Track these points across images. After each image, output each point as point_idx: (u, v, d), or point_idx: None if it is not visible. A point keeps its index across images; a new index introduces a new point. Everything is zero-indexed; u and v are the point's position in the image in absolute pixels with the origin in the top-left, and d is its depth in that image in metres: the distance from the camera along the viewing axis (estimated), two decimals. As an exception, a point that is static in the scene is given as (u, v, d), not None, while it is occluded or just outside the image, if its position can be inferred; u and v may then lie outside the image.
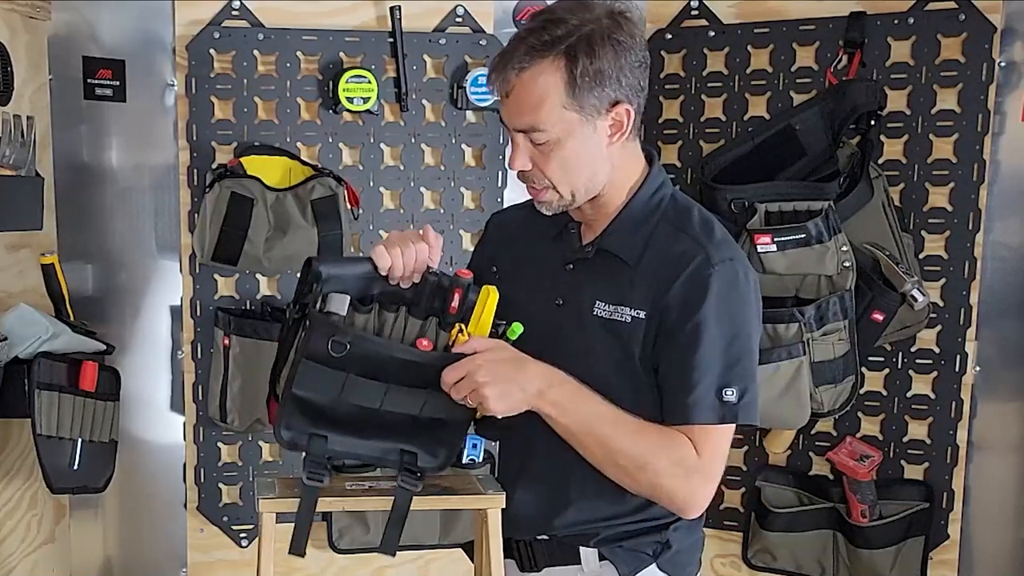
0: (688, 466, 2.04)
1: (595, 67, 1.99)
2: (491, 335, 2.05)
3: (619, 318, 2.09)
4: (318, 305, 2.00)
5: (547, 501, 2.19)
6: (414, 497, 2.10)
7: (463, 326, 2.02)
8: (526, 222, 2.28)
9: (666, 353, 2.07)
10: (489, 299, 2.03)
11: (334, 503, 2.10)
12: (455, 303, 2.03)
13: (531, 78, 2.00)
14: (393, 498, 2.08)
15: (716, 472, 2.09)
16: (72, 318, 3.03)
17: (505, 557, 2.23)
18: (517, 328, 2.06)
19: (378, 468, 2.24)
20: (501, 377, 1.98)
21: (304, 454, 2.08)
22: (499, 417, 2.03)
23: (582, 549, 2.20)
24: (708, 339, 2.03)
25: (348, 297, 2.00)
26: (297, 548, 2.09)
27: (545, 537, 2.23)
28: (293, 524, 2.06)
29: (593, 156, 2.07)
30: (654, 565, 2.19)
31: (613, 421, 2.05)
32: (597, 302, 2.12)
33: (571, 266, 2.18)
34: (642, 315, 2.07)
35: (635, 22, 2.08)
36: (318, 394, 2.02)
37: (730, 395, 2.05)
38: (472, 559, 2.38)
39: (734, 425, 2.09)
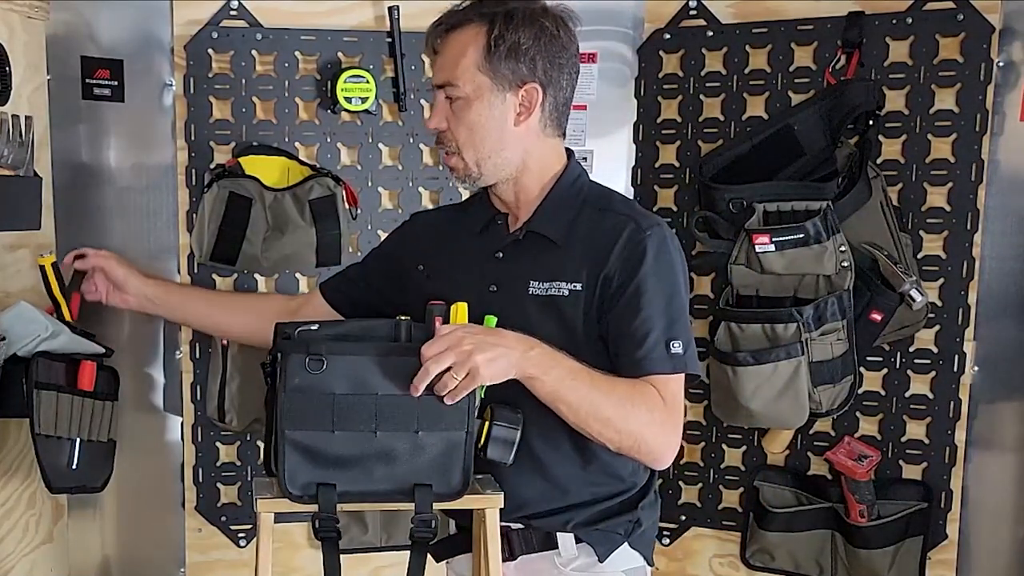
0: (663, 411, 2.14)
1: (511, 39, 2.18)
2: None
3: (556, 293, 2.20)
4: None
5: (519, 480, 2.20)
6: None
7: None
8: (451, 222, 2.45)
9: (613, 316, 2.18)
10: (459, 311, 2.08)
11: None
12: (436, 329, 2.04)
13: (455, 37, 2.23)
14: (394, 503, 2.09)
15: (679, 419, 2.20)
16: (72, 319, 3.02)
17: (463, 552, 2.27)
18: (491, 320, 2.09)
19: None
20: (486, 342, 2.01)
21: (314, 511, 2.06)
22: (485, 386, 2.04)
23: (559, 535, 2.23)
24: (650, 297, 2.15)
25: (317, 324, 2.05)
26: None
27: (520, 525, 2.24)
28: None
29: (499, 128, 2.23)
30: (626, 544, 2.26)
31: (590, 376, 2.11)
32: (531, 282, 2.23)
33: (500, 253, 2.30)
34: (579, 287, 2.19)
35: (570, 26, 2.28)
36: (312, 429, 2.01)
37: (677, 347, 2.16)
38: (436, 559, 2.40)
39: (683, 376, 2.19)
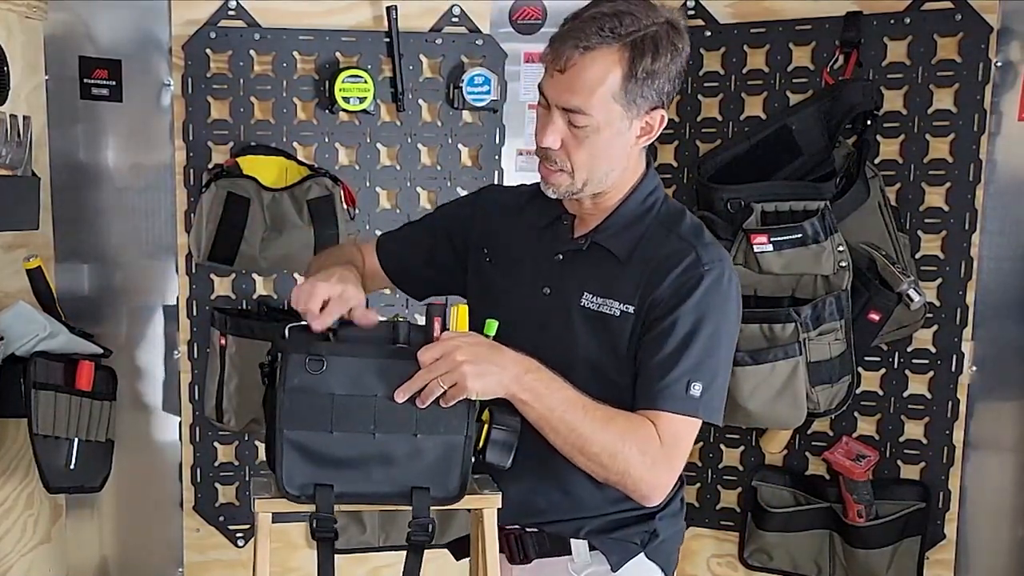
0: (653, 454, 2.06)
1: (652, 68, 2.03)
2: None
3: (607, 311, 2.13)
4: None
5: (534, 489, 2.20)
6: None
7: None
8: (519, 208, 2.32)
9: (645, 342, 2.11)
10: (460, 313, 2.04)
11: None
12: (436, 332, 2.01)
13: (592, 60, 2.02)
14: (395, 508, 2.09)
15: (677, 462, 2.13)
16: (63, 319, 3.02)
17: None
18: (492, 325, 2.05)
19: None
20: (480, 357, 1.97)
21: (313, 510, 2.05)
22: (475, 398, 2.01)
23: (572, 540, 2.21)
24: (686, 333, 2.07)
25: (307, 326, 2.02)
26: None
27: (534, 529, 2.24)
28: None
29: (619, 152, 2.12)
30: (642, 554, 2.21)
31: (584, 409, 2.05)
32: (585, 293, 2.15)
33: (560, 256, 2.21)
34: (630, 310, 2.11)
35: (685, 33, 2.12)
36: (310, 429, 1.99)
37: (696, 389, 2.08)
38: (456, 557, 2.39)
39: (699, 422, 2.12)
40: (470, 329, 2.04)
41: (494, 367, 1.98)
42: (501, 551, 2.23)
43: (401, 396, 1.98)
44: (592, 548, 2.22)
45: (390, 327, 2.05)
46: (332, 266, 2.18)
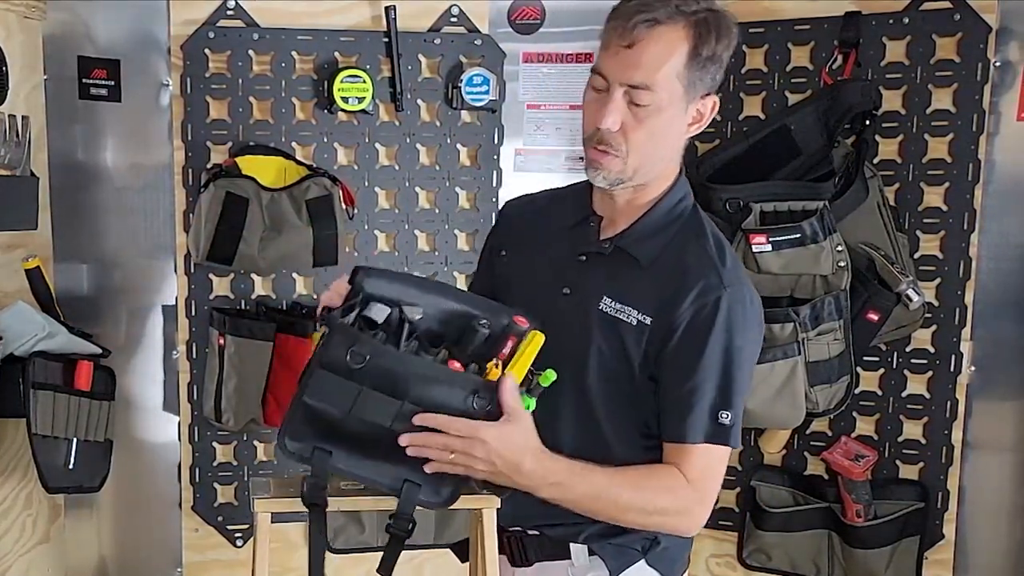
0: (687, 498, 2.06)
1: (714, 49, 2.02)
2: (524, 379, 1.99)
3: (624, 318, 2.09)
4: (348, 315, 1.96)
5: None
6: (373, 498, 2.10)
7: (499, 362, 1.97)
8: (544, 210, 2.29)
9: (669, 370, 2.07)
10: (532, 343, 1.99)
11: (331, 503, 2.09)
12: (507, 350, 1.99)
13: (660, 35, 1.99)
14: (386, 497, 2.07)
15: (709, 492, 2.10)
16: (62, 320, 3.02)
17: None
18: (550, 375, 2.00)
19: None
20: (496, 468, 1.96)
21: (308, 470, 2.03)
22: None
23: (572, 545, 2.21)
24: (711, 362, 2.04)
25: (388, 309, 1.97)
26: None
27: (535, 532, 2.23)
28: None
29: (675, 137, 2.10)
30: (643, 561, 2.20)
31: (609, 483, 2.04)
32: (604, 297, 2.12)
33: (583, 258, 2.17)
34: (647, 320, 2.08)
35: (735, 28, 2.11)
36: (330, 405, 1.96)
37: (725, 418, 2.05)
38: (461, 559, 2.38)
39: (729, 450, 2.10)
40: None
41: (508, 481, 1.99)
42: (503, 552, 2.23)
43: (404, 441, 1.94)
44: (592, 553, 2.21)
45: (465, 324, 2.00)
46: None
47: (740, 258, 3.05)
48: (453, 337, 2.01)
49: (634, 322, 2.08)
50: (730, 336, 2.05)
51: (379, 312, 1.96)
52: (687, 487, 2.06)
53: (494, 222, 2.49)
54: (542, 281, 2.20)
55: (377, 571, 2.10)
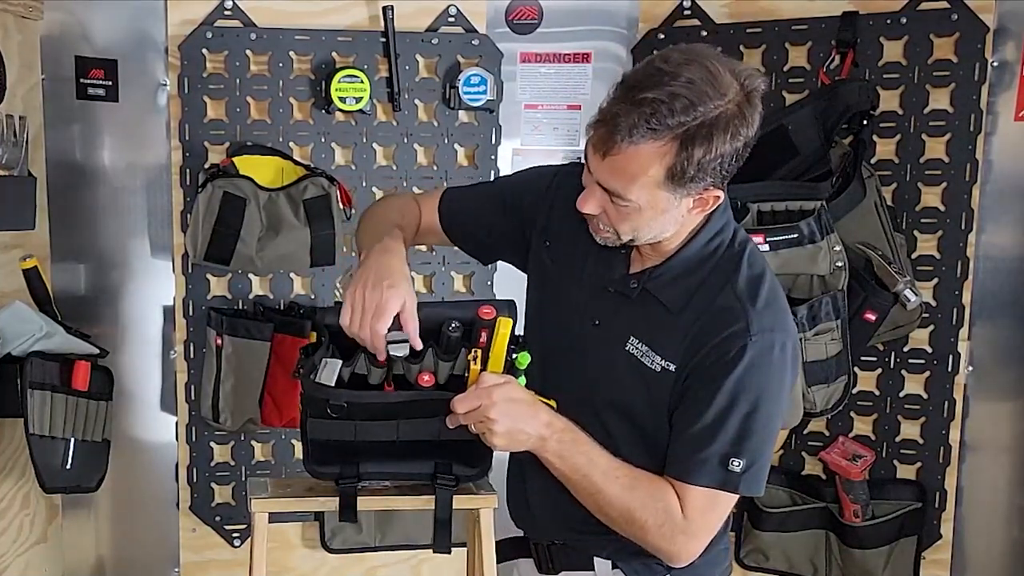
0: (673, 526, 2.03)
1: (705, 159, 1.88)
2: (505, 363, 2.03)
3: (648, 363, 2.05)
4: (313, 372, 2.02)
5: (562, 505, 2.17)
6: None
7: (478, 353, 2.01)
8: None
9: (682, 407, 2.04)
10: (502, 330, 2.02)
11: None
12: (482, 340, 2.02)
13: (636, 153, 1.87)
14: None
15: (703, 533, 2.07)
16: (59, 319, 3.02)
17: (524, 556, 2.25)
18: (524, 359, 2.03)
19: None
20: (513, 418, 1.98)
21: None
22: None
23: (596, 559, 2.20)
24: (726, 407, 1.99)
25: (339, 363, 2.01)
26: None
27: (561, 542, 2.23)
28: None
29: (665, 223, 2.00)
30: None
31: (605, 472, 2.03)
32: (632, 337, 2.07)
33: (612, 289, 2.11)
34: (672, 368, 2.03)
35: (760, 101, 1.93)
36: (335, 438, 2.04)
37: (735, 466, 2.01)
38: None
39: (736, 496, 2.07)
40: (511, 342, 2.03)
41: (522, 433, 1.99)
42: (530, 557, 2.25)
43: (451, 424, 2.02)
44: (615, 567, 2.20)
45: (437, 329, 2.03)
46: (383, 234, 2.15)
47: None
48: (431, 340, 2.03)
49: (658, 368, 2.04)
50: (752, 385, 1.99)
51: (329, 373, 2.01)
52: (679, 518, 2.03)
53: (553, 174, 2.29)
54: (574, 304, 2.15)
55: (434, 552, 2.16)
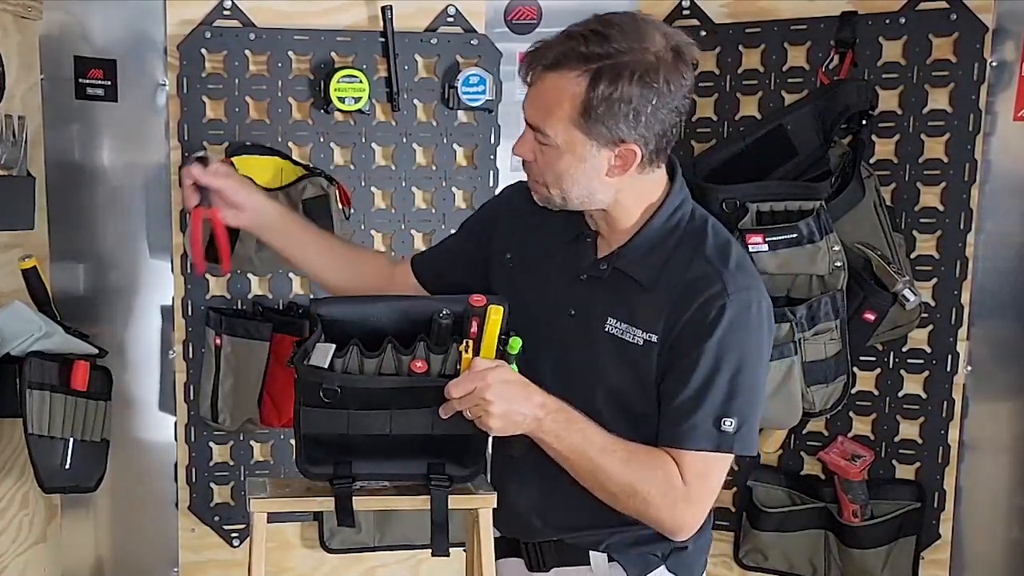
0: (675, 493, 2.04)
1: (613, 100, 1.94)
2: (497, 351, 2.04)
3: (631, 339, 2.07)
4: (306, 357, 2.03)
5: (547, 501, 2.18)
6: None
7: (469, 343, 2.02)
8: (544, 215, 2.20)
9: (669, 376, 2.06)
10: (493, 318, 2.02)
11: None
12: (473, 329, 2.03)
13: (552, 81, 1.97)
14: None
15: (704, 498, 2.09)
16: (58, 319, 3.02)
17: (513, 556, 2.25)
18: (516, 343, 2.04)
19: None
20: (508, 399, 1.98)
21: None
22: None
23: (591, 552, 2.20)
24: (712, 368, 2.02)
25: (332, 347, 2.02)
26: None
27: (555, 539, 2.23)
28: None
29: (589, 177, 2.03)
30: (663, 567, 2.19)
31: (603, 449, 2.04)
32: (609, 318, 2.10)
33: (584, 276, 2.15)
34: (654, 339, 2.06)
35: (686, 64, 2.00)
36: (328, 431, 2.05)
37: (728, 425, 2.04)
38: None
39: (730, 456, 2.10)
40: (501, 331, 2.04)
41: (518, 414, 2.00)
42: (519, 557, 2.25)
43: (444, 413, 2.03)
44: (611, 560, 2.21)
45: (428, 319, 2.04)
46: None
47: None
48: (422, 332, 2.04)
49: (641, 342, 2.06)
50: (734, 343, 2.03)
51: (322, 355, 2.01)
52: (679, 485, 2.04)
53: (494, 202, 2.46)
54: (548, 301, 2.18)
55: (433, 555, 2.15)
